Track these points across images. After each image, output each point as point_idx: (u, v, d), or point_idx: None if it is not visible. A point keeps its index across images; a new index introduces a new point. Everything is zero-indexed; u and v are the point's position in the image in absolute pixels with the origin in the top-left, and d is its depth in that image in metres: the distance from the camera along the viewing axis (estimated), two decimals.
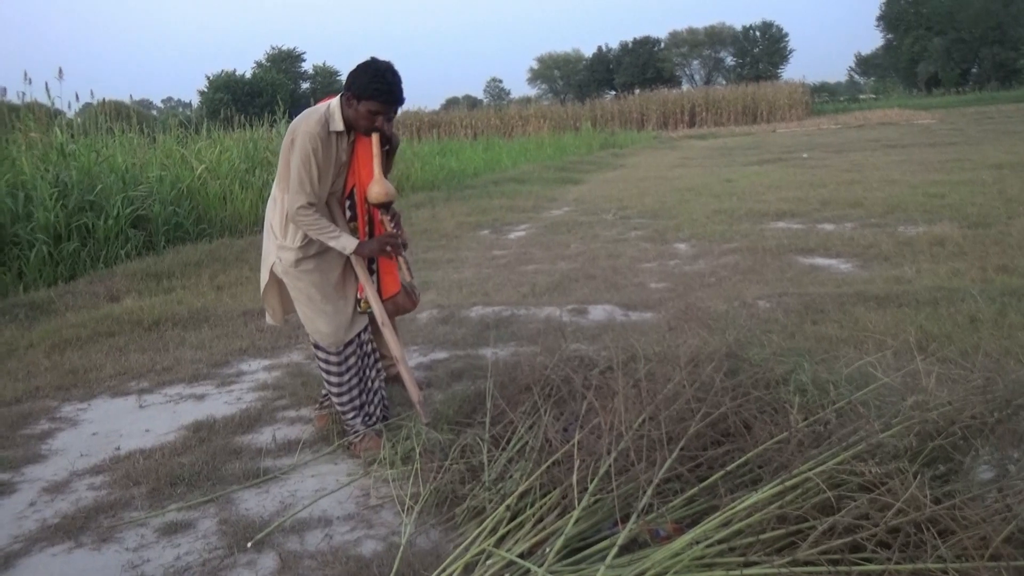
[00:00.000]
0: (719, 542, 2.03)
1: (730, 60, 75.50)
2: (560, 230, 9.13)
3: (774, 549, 2.03)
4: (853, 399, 2.60)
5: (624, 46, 74.92)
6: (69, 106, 10.99)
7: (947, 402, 2.35)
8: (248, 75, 55.93)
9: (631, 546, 2.19)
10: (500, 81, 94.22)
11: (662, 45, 74.82)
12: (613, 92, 64.49)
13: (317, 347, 3.36)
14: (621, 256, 7.24)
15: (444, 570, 2.22)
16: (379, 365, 3.49)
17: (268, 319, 3.63)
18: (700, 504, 2.33)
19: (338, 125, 3.14)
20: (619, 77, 71.71)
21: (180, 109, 54.79)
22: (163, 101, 72.90)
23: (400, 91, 3.14)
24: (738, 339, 3.34)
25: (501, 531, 2.35)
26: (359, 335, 3.37)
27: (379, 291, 3.39)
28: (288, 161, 3.17)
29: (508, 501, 2.45)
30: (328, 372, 3.35)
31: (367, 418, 3.39)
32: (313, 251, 3.27)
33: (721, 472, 2.34)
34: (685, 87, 62.77)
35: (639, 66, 71.51)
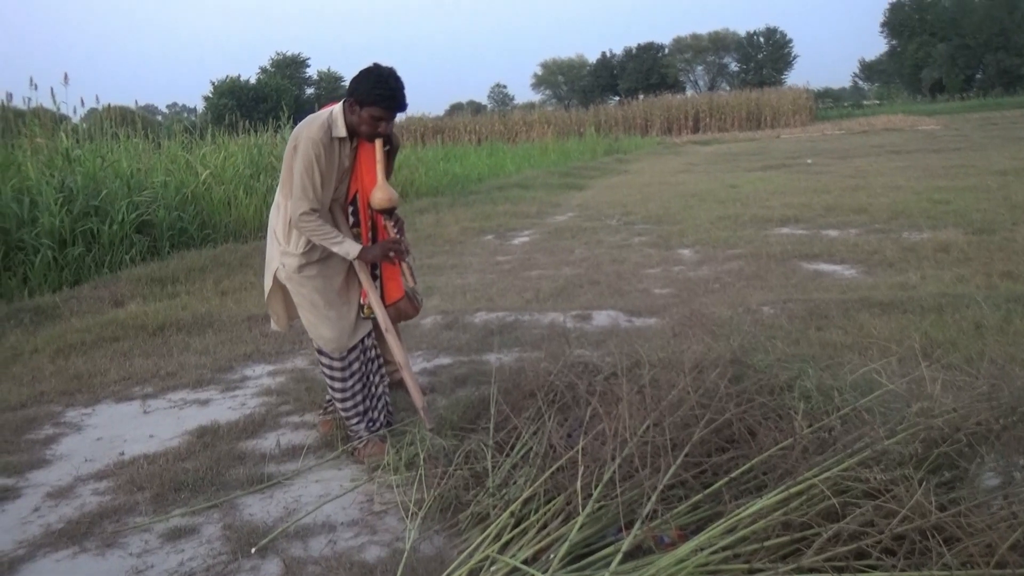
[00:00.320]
0: (723, 549, 2.02)
1: (734, 66, 75.55)
2: (564, 236, 9.13)
3: (779, 556, 2.02)
4: (858, 405, 2.60)
5: (628, 52, 74.98)
6: (74, 111, 11.04)
7: (952, 409, 2.34)
8: (253, 81, 56.06)
9: (635, 553, 2.18)
10: (504, 87, 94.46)
11: (666, 51, 74.86)
12: (617, 98, 64.55)
13: (321, 352, 3.36)
14: (625, 262, 7.24)
15: None
16: (383, 370, 3.49)
17: (273, 325, 3.63)
18: (704, 511, 2.32)
19: (341, 131, 3.15)
20: (623, 83, 71.74)
21: (185, 114, 55.03)
22: (168, 106, 73.15)
23: (403, 97, 3.14)
24: (742, 345, 3.34)
25: (505, 537, 2.34)
26: (363, 340, 3.37)
27: (382, 297, 3.39)
28: (291, 167, 3.17)
29: (512, 507, 2.45)
30: (332, 378, 3.35)
31: (371, 424, 3.39)
32: (316, 257, 3.28)
33: (725, 479, 2.34)
34: (689, 93, 62.85)
35: (643, 72, 71.54)
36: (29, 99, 9.69)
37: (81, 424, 3.96)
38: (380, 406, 3.44)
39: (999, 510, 2.07)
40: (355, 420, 3.37)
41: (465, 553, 2.33)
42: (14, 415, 4.06)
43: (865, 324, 4.50)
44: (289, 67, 64.92)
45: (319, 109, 3.32)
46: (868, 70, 79.53)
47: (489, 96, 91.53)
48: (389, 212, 3.29)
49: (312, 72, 67.43)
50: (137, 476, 3.23)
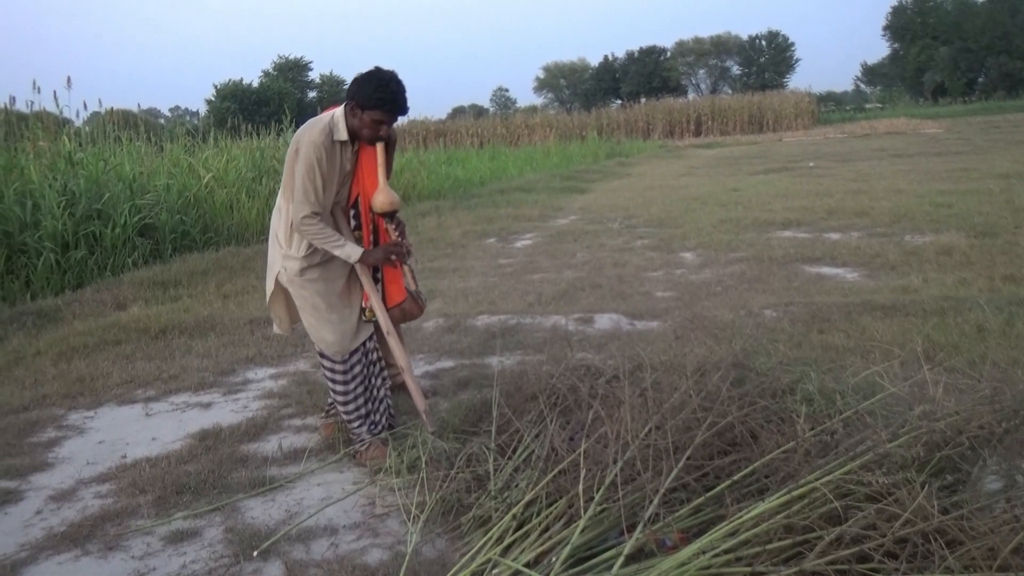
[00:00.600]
0: (726, 552, 2.02)
1: (736, 69, 75.57)
2: (566, 239, 9.13)
3: (781, 559, 2.02)
4: (860, 409, 2.60)
5: (630, 55, 75.04)
6: (77, 115, 11.14)
7: (955, 412, 2.34)
8: (255, 84, 56.17)
9: (637, 555, 2.18)
10: (506, 90, 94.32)
11: (668, 54, 74.89)
12: (619, 101, 64.58)
13: (323, 356, 3.36)
14: (627, 265, 7.24)
15: None
16: (385, 373, 3.49)
17: (275, 328, 3.64)
18: (707, 514, 2.32)
19: (342, 134, 3.15)
20: (625, 86, 71.78)
21: (187, 118, 55.13)
22: (170, 110, 73.17)
23: (404, 101, 3.15)
24: (744, 348, 3.34)
25: (507, 540, 2.34)
26: (364, 344, 3.38)
27: (384, 300, 3.39)
28: (293, 171, 3.18)
29: (514, 510, 2.45)
30: (334, 381, 3.35)
31: (373, 427, 3.39)
32: (318, 260, 3.28)
33: (728, 482, 2.34)
34: (691, 96, 62.86)
35: (645, 75, 71.60)
36: (32, 102, 9.73)
37: (83, 427, 3.96)
38: (382, 409, 3.44)
39: (1001, 513, 2.06)
40: (357, 423, 3.37)
41: (467, 556, 2.33)
42: (16, 418, 4.07)
43: (867, 327, 4.50)
44: (291, 70, 65.03)
45: (321, 112, 3.32)
46: (870, 73, 79.49)
47: (491, 99, 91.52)
48: (391, 215, 3.30)
49: (314, 75, 67.59)
50: (139, 479, 3.23)
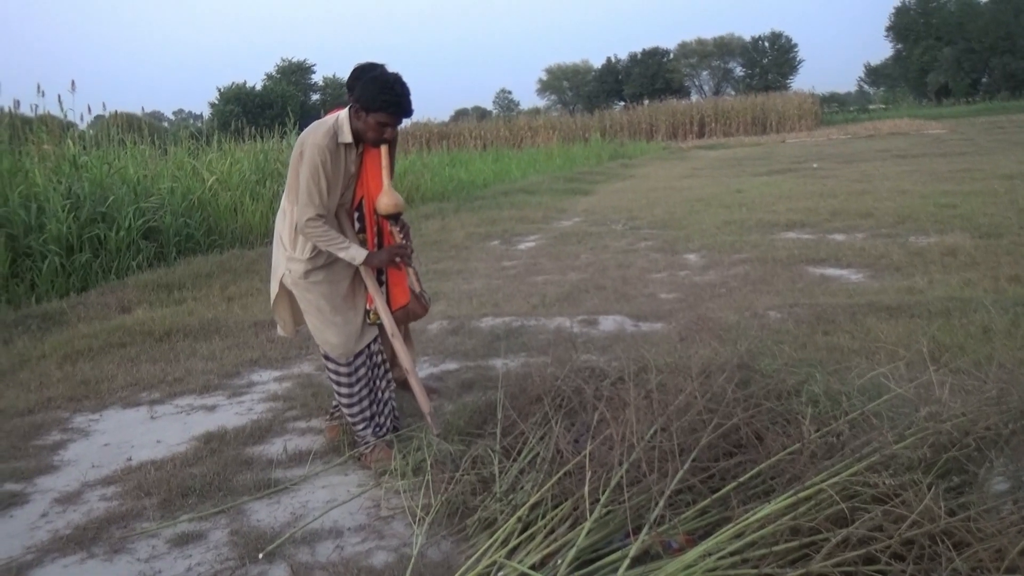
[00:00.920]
0: (732, 554, 2.02)
1: (739, 71, 75.52)
2: (570, 241, 9.13)
3: (787, 561, 2.02)
4: (866, 410, 2.59)
5: (633, 57, 75.03)
6: (81, 118, 11.08)
7: (961, 413, 2.33)
8: (259, 87, 56.21)
9: (643, 558, 2.18)
10: (509, 92, 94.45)
11: (671, 56, 74.87)
12: (622, 103, 64.65)
13: (327, 358, 3.36)
14: (631, 267, 7.24)
15: None
16: (389, 376, 3.49)
17: (279, 330, 3.64)
18: (712, 516, 2.31)
19: (347, 137, 3.16)
20: (628, 88, 71.80)
21: (191, 121, 55.13)
22: (174, 113, 73.40)
23: (409, 103, 3.15)
24: (749, 350, 3.33)
25: (512, 542, 2.34)
26: (369, 346, 3.37)
27: (388, 302, 3.39)
28: (297, 173, 3.18)
29: (519, 512, 2.44)
30: (338, 383, 3.35)
31: (378, 429, 3.39)
32: (322, 262, 3.28)
33: (733, 483, 2.33)
34: (694, 98, 62.98)
35: (648, 77, 71.59)
36: (36, 106, 9.77)
37: (88, 430, 3.96)
38: (387, 411, 3.44)
39: (1009, 515, 2.06)
40: (362, 425, 3.37)
41: (472, 558, 2.33)
42: (22, 421, 4.08)
43: (872, 328, 4.49)
44: (295, 73, 65.09)
45: (325, 115, 3.33)
46: (873, 74, 79.44)
47: (494, 102, 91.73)
48: (395, 217, 3.30)
49: (318, 78, 67.61)
50: (144, 482, 3.23)
